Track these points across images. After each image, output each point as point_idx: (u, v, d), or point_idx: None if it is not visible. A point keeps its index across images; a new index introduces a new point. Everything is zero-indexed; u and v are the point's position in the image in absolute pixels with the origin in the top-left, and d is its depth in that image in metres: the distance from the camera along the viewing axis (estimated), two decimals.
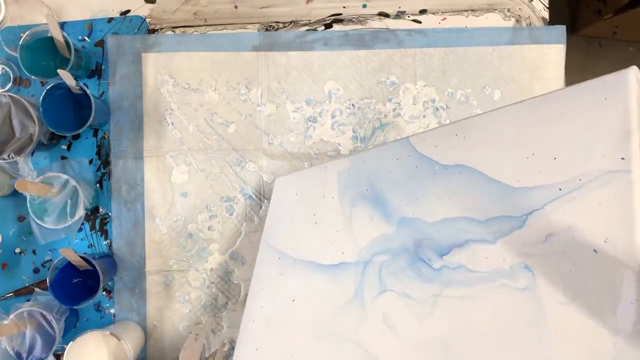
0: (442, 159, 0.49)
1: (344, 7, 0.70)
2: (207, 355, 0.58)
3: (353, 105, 0.70)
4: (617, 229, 0.38)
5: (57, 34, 0.61)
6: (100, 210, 0.70)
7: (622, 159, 0.39)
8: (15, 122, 0.63)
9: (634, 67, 0.40)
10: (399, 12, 0.70)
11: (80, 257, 0.60)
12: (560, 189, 0.42)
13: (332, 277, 0.52)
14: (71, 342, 0.60)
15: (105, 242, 0.70)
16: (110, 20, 0.70)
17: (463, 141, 0.48)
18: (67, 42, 0.63)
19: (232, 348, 0.60)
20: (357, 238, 0.52)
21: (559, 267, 0.41)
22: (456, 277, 0.44)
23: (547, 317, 0.40)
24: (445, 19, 0.70)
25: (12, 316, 0.61)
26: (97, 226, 0.70)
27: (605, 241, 0.39)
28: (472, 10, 0.70)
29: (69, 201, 0.63)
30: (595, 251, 0.39)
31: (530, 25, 0.70)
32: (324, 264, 0.53)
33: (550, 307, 0.40)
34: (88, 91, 0.62)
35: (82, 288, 0.64)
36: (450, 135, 0.49)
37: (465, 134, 0.48)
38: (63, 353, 0.60)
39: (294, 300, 0.54)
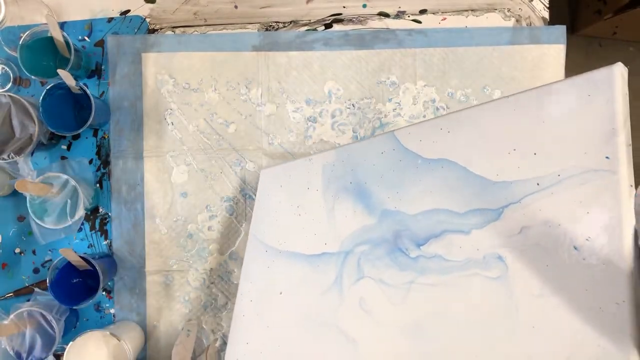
0: (426, 153, 0.50)
1: (344, 7, 0.70)
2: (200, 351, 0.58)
3: (353, 105, 0.70)
4: (600, 230, 0.37)
5: (57, 34, 0.61)
6: (100, 210, 0.70)
7: (607, 157, 0.38)
8: (15, 122, 0.63)
9: (619, 64, 0.39)
10: (399, 12, 0.70)
11: (80, 257, 0.60)
12: (538, 184, 0.42)
13: (314, 267, 0.53)
14: (71, 342, 0.60)
15: (105, 242, 0.70)
16: (110, 20, 0.70)
17: (447, 135, 0.48)
18: (67, 42, 0.63)
19: (224, 343, 0.60)
20: (339, 229, 0.53)
21: (534, 259, 0.41)
22: (431, 265, 0.46)
23: (520, 307, 0.40)
24: (445, 19, 0.70)
25: (12, 316, 0.61)
26: (97, 226, 0.70)
27: (587, 240, 0.38)
28: (472, 10, 0.70)
29: (68, 201, 0.63)
30: (575, 248, 0.38)
31: (530, 25, 0.70)
32: (307, 254, 0.54)
33: (523, 299, 0.40)
34: (88, 91, 0.62)
35: (82, 288, 0.64)
36: (435, 129, 0.49)
37: (450, 129, 0.48)
38: (63, 353, 0.60)
39: (281, 293, 0.55)
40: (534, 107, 0.44)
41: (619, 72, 0.39)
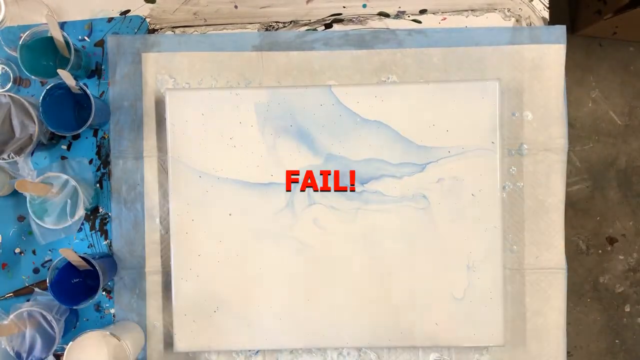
0: (364, 114, 0.65)
1: (344, 7, 0.70)
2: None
3: None
4: (486, 185, 0.64)
5: (57, 34, 0.61)
6: (100, 210, 0.70)
7: (492, 142, 0.64)
8: (15, 122, 0.63)
9: (498, 80, 0.64)
10: (399, 12, 0.70)
11: (80, 257, 0.60)
12: (449, 152, 0.64)
13: (263, 193, 0.65)
14: (71, 342, 0.60)
15: (105, 242, 0.70)
16: (110, 20, 0.70)
17: (381, 103, 0.65)
18: (67, 42, 0.63)
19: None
20: (285, 164, 0.65)
21: (447, 199, 0.64)
22: (373, 198, 0.65)
23: (438, 227, 0.64)
24: (445, 18, 0.70)
25: (12, 316, 0.61)
26: (97, 226, 0.70)
27: (480, 191, 0.64)
28: (472, 10, 0.70)
29: (69, 201, 0.63)
30: (472, 195, 0.64)
31: (531, 25, 0.70)
32: (253, 183, 0.65)
33: (440, 221, 0.64)
34: (88, 91, 0.62)
35: (82, 288, 0.64)
36: (370, 96, 0.65)
37: (384, 99, 0.65)
38: (63, 353, 0.60)
39: (230, 214, 0.65)
40: (449, 96, 0.64)
41: (498, 84, 0.63)
